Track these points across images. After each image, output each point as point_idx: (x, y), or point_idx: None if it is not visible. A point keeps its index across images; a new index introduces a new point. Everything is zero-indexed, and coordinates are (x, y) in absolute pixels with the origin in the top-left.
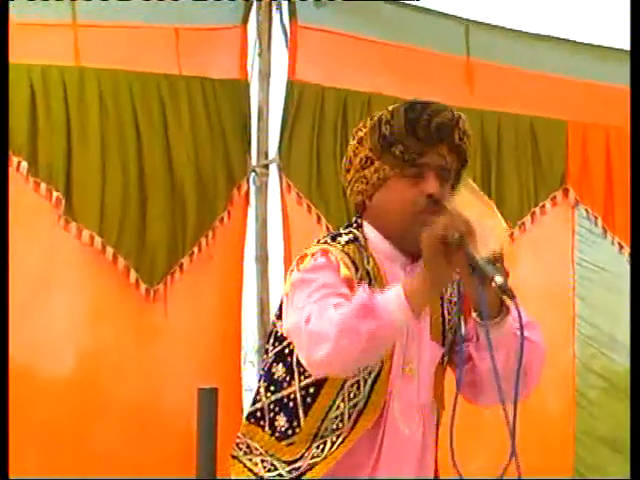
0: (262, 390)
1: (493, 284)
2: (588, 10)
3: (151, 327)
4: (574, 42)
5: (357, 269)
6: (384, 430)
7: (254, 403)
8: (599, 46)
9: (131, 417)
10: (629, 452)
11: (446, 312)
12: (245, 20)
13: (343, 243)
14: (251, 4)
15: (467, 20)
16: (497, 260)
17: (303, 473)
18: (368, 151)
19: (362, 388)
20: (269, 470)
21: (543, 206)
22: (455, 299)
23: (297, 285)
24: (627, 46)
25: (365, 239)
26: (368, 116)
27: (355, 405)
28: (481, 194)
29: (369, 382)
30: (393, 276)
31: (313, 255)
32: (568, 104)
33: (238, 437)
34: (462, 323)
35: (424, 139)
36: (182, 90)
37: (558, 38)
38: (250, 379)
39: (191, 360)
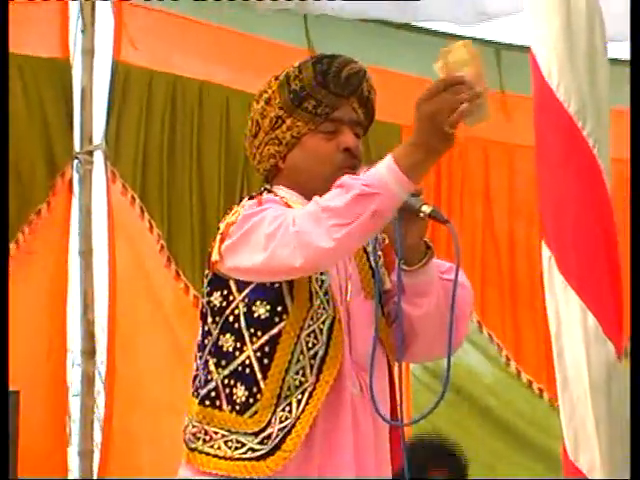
0: (212, 368)
1: (421, 214)
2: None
3: None
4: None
5: None
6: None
7: (205, 384)
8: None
9: None
10: None
11: (374, 264)
12: None
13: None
14: None
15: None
16: (419, 193)
17: (278, 439)
18: (278, 110)
19: (319, 336)
20: (236, 448)
21: None
22: (379, 252)
23: (242, 229)
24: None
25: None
26: (199, 106)
27: (315, 355)
28: (479, 58)
29: (325, 330)
30: None
31: (245, 207)
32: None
33: (194, 426)
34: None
35: (335, 91)
36: None
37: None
38: (76, 382)
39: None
